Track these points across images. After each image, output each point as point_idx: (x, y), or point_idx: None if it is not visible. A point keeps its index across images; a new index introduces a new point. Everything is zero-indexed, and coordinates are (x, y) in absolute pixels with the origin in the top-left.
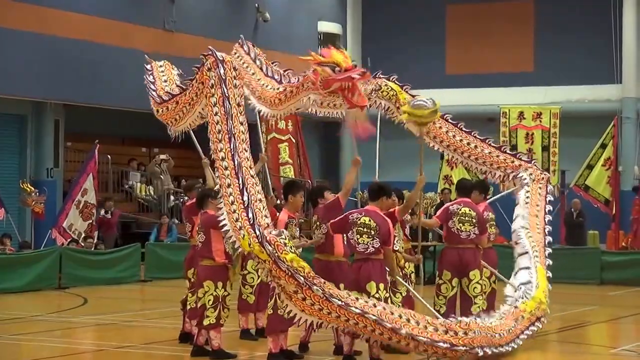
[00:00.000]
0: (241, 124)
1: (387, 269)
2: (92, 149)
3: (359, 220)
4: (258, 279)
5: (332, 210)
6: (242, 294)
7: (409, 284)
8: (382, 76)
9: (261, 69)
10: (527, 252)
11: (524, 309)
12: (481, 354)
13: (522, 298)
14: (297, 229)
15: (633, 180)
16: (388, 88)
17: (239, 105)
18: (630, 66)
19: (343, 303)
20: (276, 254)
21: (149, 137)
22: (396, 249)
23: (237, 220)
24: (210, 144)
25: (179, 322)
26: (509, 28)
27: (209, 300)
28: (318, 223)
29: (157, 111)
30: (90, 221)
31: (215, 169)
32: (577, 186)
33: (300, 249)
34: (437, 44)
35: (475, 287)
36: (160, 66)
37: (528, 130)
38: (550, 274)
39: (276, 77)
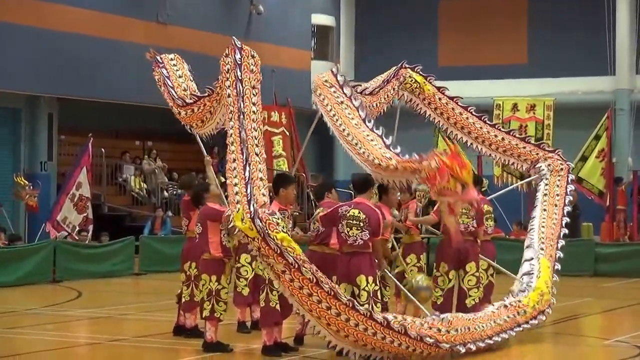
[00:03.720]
0: (254, 104)
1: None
2: (86, 143)
3: (348, 213)
4: (252, 271)
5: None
6: (237, 286)
7: (423, 276)
8: (407, 66)
9: (357, 109)
10: (531, 245)
11: (526, 303)
12: (463, 351)
13: (524, 291)
14: (290, 221)
15: (627, 171)
16: (412, 80)
17: (253, 87)
18: (624, 58)
19: (333, 291)
20: (266, 231)
21: (143, 130)
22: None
23: (237, 193)
24: (226, 124)
25: (173, 315)
26: (503, 20)
27: (206, 294)
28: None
29: (179, 113)
30: (85, 214)
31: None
32: None
33: None
34: (430, 35)
35: (470, 280)
36: (172, 59)
37: (522, 122)
38: (559, 267)
39: (378, 131)
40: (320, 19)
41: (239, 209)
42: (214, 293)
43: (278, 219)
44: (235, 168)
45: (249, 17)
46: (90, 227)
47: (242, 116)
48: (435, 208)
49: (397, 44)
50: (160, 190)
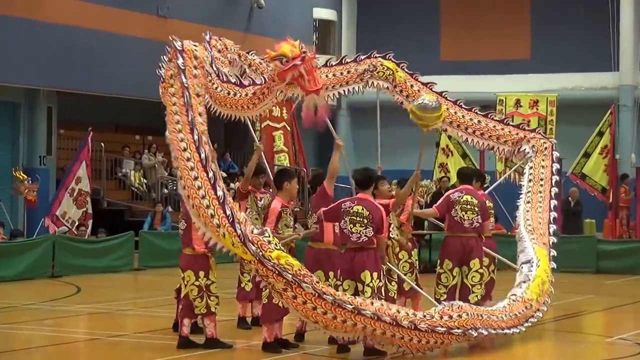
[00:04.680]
0: (200, 114)
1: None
2: (86, 137)
3: (352, 209)
4: None
5: (320, 199)
6: (241, 282)
7: (415, 273)
8: (377, 55)
9: (218, 75)
10: (523, 236)
11: (530, 297)
12: (475, 334)
13: (525, 282)
14: (292, 218)
15: (630, 168)
16: (384, 68)
17: (198, 95)
18: (628, 54)
19: (336, 300)
20: (260, 253)
21: (143, 124)
22: (392, 236)
23: (212, 216)
24: (167, 133)
25: (172, 311)
26: (505, 14)
27: (192, 290)
28: (312, 212)
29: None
30: (84, 209)
31: (174, 160)
32: (573, 174)
33: (294, 242)
34: (432, 29)
35: (474, 276)
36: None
37: (525, 117)
38: (554, 252)
39: (232, 80)
40: (322, 12)
41: (224, 234)
42: (204, 289)
43: (268, 237)
44: (200, 187)
45: (249, 11)
46: (90, 222)
47: (194, 129)
48: (438, 202)
49: (399, 39)
50: (160, 185)
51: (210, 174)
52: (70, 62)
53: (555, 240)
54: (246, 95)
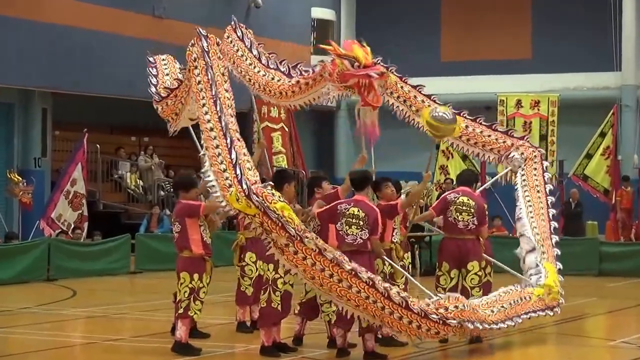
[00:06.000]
0: (226, 91)
1: (385, 259)
2: (81, 138)
3: (348, 210)
4: (256, 271)
5: (330, 203)
6: (241, 285)
7: (406, 276)
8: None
9: (259, 59)
10: (533, 249)
11: (531, 291)
12: (472, 327)
13: (533, 279)
14: None
15: (633, 169)
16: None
17: (223, 74)
18: (630, 53)
19: (336, 258)
20: (265, 204)
21: (139, 125)
22: (394, 240)
23: (226, 178)
24: (197, 112)
25: (170, 314)
26: (506, 14)
27: (185, 292)
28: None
29: (158, 109)
30: (80, 211)
31: (201, 132)
32: (575, 176)
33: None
34: (433, 29)
35: (472, 279)
36: (163, 59)
37: (526, 118)
38: (560, 266)
39: (282, 68)
40: (320, 12)
41: (231, 192)
42: (195, 291)
43: (272, 190)
44: (220, 154)
45: (247, 10)
46: (85, 225)
47: (217, 101)
48: (435, 203)
49: (399, 39)
50: (156, 187)
51: (229, 139)
52: (65, 62)
53: (559, 253)
54: (289, 82)
